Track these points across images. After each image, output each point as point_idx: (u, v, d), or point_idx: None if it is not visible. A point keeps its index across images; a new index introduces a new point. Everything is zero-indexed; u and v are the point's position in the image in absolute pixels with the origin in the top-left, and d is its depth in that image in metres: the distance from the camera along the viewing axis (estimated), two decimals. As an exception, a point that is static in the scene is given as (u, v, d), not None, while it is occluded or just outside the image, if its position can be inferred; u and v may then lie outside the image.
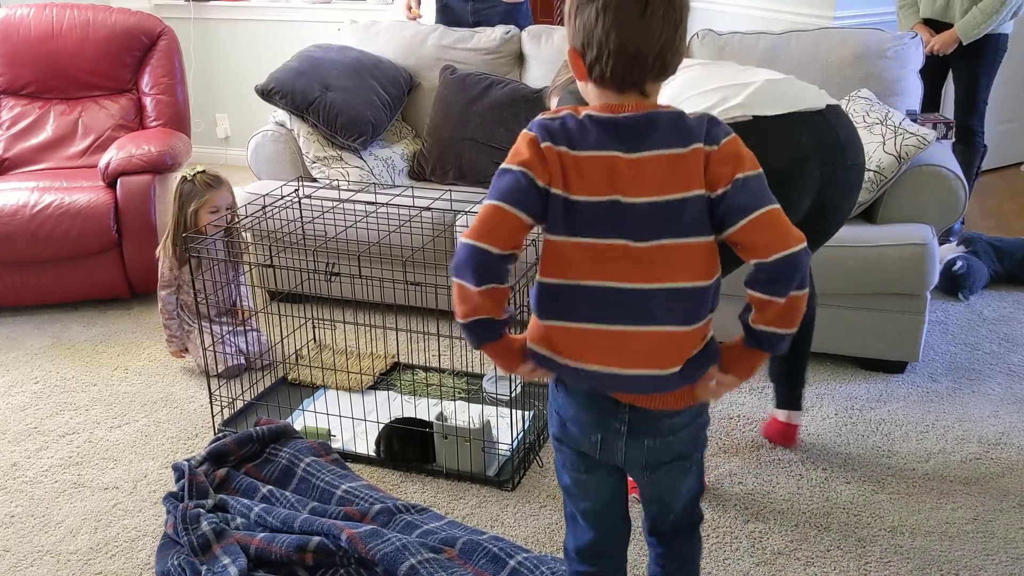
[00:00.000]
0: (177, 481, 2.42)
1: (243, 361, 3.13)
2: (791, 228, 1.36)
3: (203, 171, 3.08)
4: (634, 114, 1.37)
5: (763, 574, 2.15)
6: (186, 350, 3.17)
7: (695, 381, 1.47)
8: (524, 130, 1.41)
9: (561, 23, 5.87)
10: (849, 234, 2.91)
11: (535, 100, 3.59)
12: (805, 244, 1.35)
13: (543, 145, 1.36)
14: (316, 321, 3.26)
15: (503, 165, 1.40)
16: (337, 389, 2.95)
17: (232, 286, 3.23)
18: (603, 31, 1.32)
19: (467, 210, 3.13)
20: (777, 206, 1.36)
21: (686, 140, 1.36)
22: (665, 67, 1.37)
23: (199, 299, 2.98)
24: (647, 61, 1.34)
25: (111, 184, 3.62)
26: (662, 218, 1.36)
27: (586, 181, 1.36)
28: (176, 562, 2.15)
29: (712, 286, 1.42)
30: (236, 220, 3.12)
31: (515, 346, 1.51)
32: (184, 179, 3.05)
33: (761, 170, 1.38)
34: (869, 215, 3.06)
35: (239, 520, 2.27)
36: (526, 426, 2.66)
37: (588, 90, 1.43)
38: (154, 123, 4.10)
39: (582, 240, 1.38)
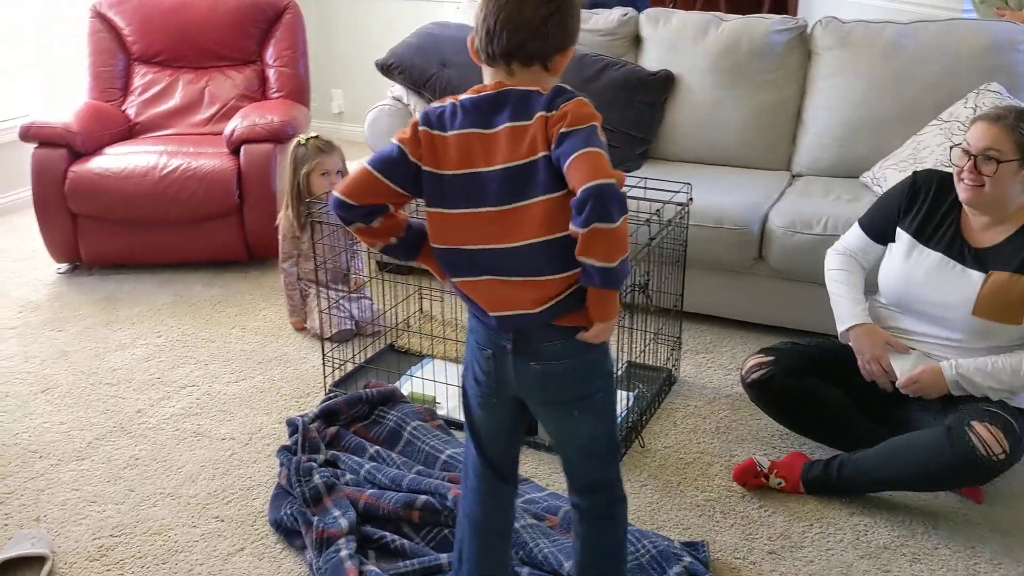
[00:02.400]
0: (291, 435, 2.52)
1: (353, 326, 3.23)
2: (604, 167, 1.47)
3: (316, 136, 3.24)
4: (490, 92, 1.58)
5: (868, 567, 2.12)
6: (306, 322, 3.29)
7: (559, 316, 1.62)
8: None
9: (677, 6, 5.80)
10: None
11: (651, 83, 3.58)
12: (612, 181, 1.45)
13: (420, 128, 1.62)
14: (423, 291, 3.33)
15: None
16: (444, 359, 3.01)
17: (347, 255, 3.33)
18: (482, 15, 1.57)
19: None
20: (596, 149, 1.48)
21: (531, 112, 1.54)
22: (521, 45, 1.55)
23: (317, 264, 3.08)
24: (501, 35, 1.55)
25: (235, 151, 3.76)
26: (516, 182, 1.55)
27: (451, 158, 1.60)
28: (289, 511, 2.24)
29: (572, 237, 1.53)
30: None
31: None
32: (298, 143, 3.21)
33: (592, 124, 1.51)
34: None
35: (348, 476, 2.35)
36: (629, 405, 2.67)
37: None
38: (276, 94, 4.22)
39: (454, 211, 1.61)
